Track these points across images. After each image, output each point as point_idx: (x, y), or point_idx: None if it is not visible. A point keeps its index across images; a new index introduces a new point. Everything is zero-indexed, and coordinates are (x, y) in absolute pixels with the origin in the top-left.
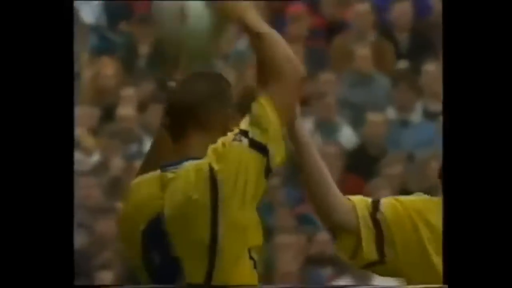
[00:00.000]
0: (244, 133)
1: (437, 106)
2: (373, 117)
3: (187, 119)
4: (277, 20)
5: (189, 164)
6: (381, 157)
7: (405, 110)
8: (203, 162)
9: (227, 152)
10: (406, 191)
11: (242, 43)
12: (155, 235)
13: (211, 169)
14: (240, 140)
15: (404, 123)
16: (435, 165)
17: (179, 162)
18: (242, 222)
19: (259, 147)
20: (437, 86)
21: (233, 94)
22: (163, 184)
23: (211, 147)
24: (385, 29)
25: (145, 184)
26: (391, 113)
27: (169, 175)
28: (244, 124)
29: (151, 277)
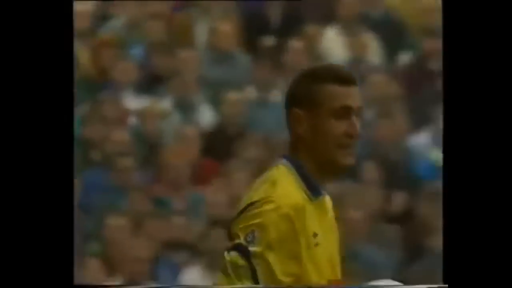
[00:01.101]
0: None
1: None
2: (231, 95)
3: None
4: None
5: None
6: (238, 138)
7: (265, 89)
8: None
9: None
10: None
11: None
12: None
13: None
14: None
15: (263, 103)
16: None
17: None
18: None
19: None
20: (302, 64)
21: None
22: None
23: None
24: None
25: None
26: (251, 92)
27: None
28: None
29: None
